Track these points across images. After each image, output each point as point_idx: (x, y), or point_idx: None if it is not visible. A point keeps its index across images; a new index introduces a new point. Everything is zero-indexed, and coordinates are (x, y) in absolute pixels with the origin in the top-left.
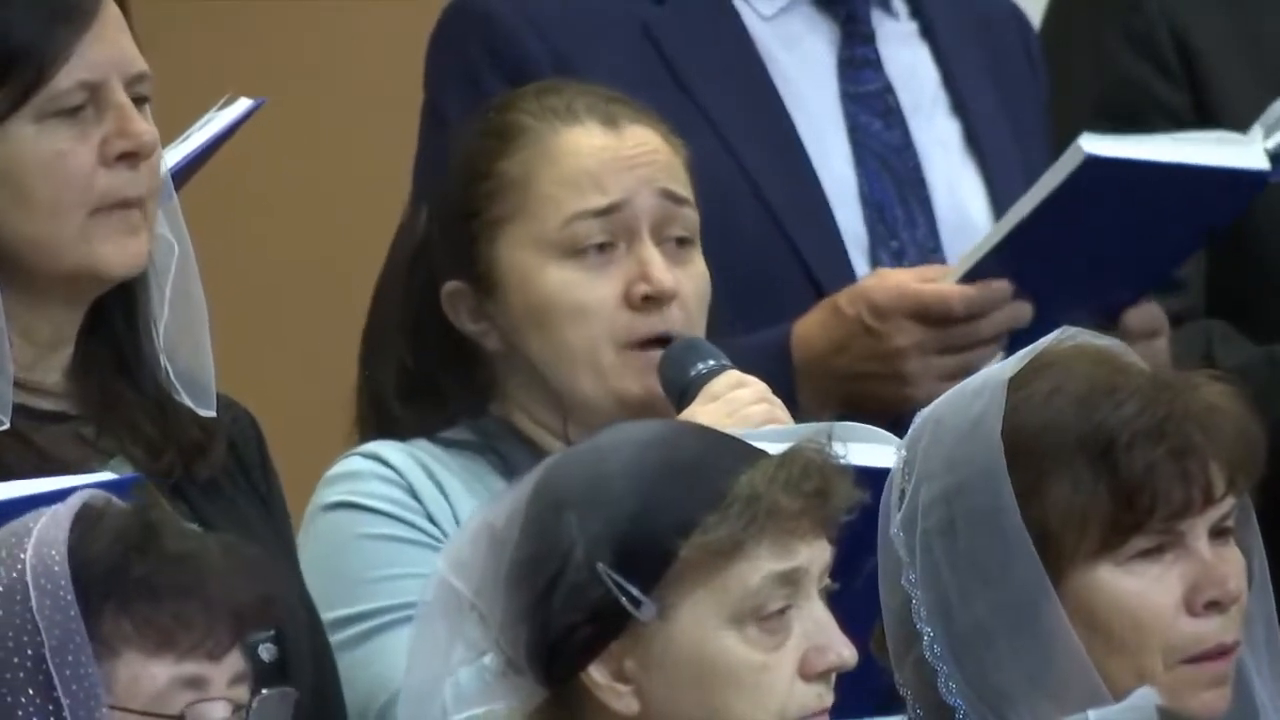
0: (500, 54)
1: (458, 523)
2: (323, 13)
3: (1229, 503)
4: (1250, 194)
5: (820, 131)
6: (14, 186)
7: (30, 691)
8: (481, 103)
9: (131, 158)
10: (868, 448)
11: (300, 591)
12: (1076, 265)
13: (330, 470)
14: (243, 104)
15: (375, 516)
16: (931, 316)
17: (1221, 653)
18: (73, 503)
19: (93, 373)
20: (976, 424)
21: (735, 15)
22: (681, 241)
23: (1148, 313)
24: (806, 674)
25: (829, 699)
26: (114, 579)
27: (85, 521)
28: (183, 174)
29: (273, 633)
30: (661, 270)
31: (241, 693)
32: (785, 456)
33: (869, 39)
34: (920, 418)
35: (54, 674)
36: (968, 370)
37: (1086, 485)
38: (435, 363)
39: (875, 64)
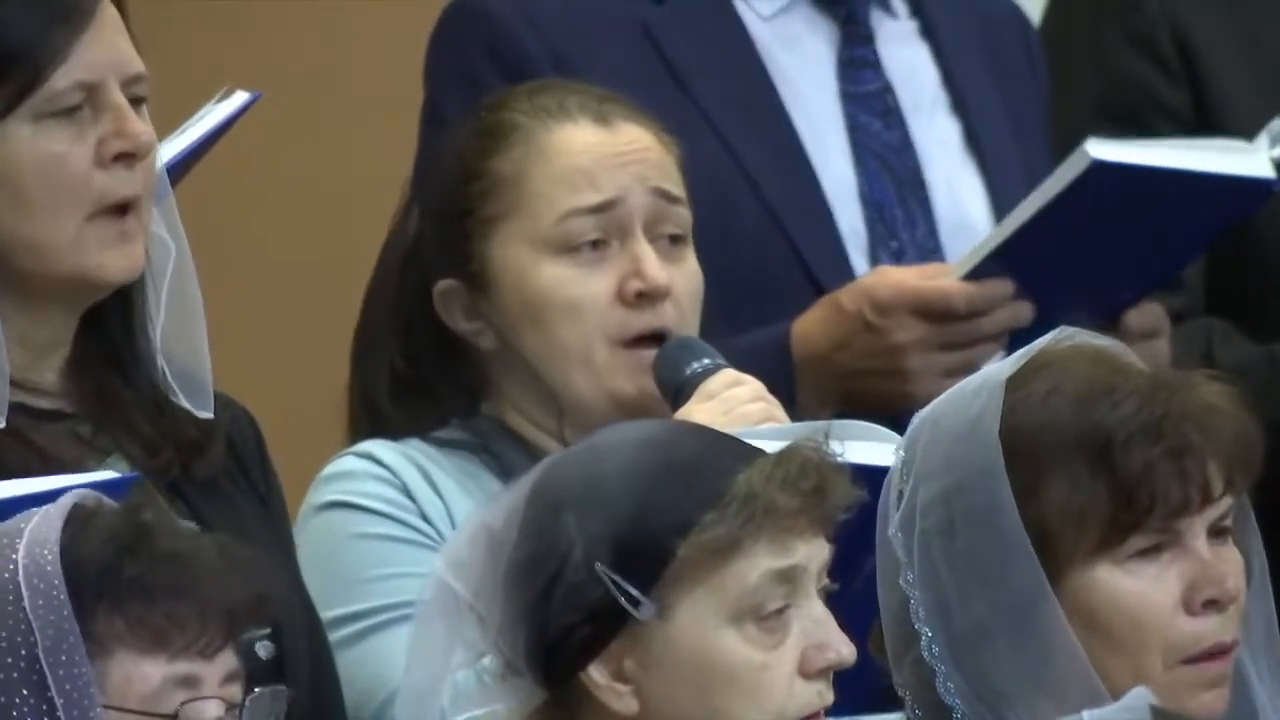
0: (500, 53)
1: (452, 522)
2: (322, 11)
3: (1227, 502)
4: (1255, 202)
5: (820, 131)
6: (10, 187)
7: (25, 692)
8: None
9: (128, 158)
10: (866, 446)
11: (298, 589)
12: (1078, 267)
13: (324, 470)
14: (240, 97)
15: (370, 516)
16: (933, 313)
17: (1220, 652)
18: (64, 503)
19: (88, 372)
20: (975, 424)
21: (735, 15)
22: (674, 239)
23: (1149, 313)
24: (806, 672)
25: (829, 697)
26: (107, 578)
27: (77, 521)
28: (180, 167)
29: (269, 630)
30: (655, 267)
31: (235, 691)
32: (782, 455)
33: (868, 39)
34: (918, 418)
35: (48, 674)
36: (969, 367)
37: (1084, 484)
38: (427, 362)
39: (875, 64)
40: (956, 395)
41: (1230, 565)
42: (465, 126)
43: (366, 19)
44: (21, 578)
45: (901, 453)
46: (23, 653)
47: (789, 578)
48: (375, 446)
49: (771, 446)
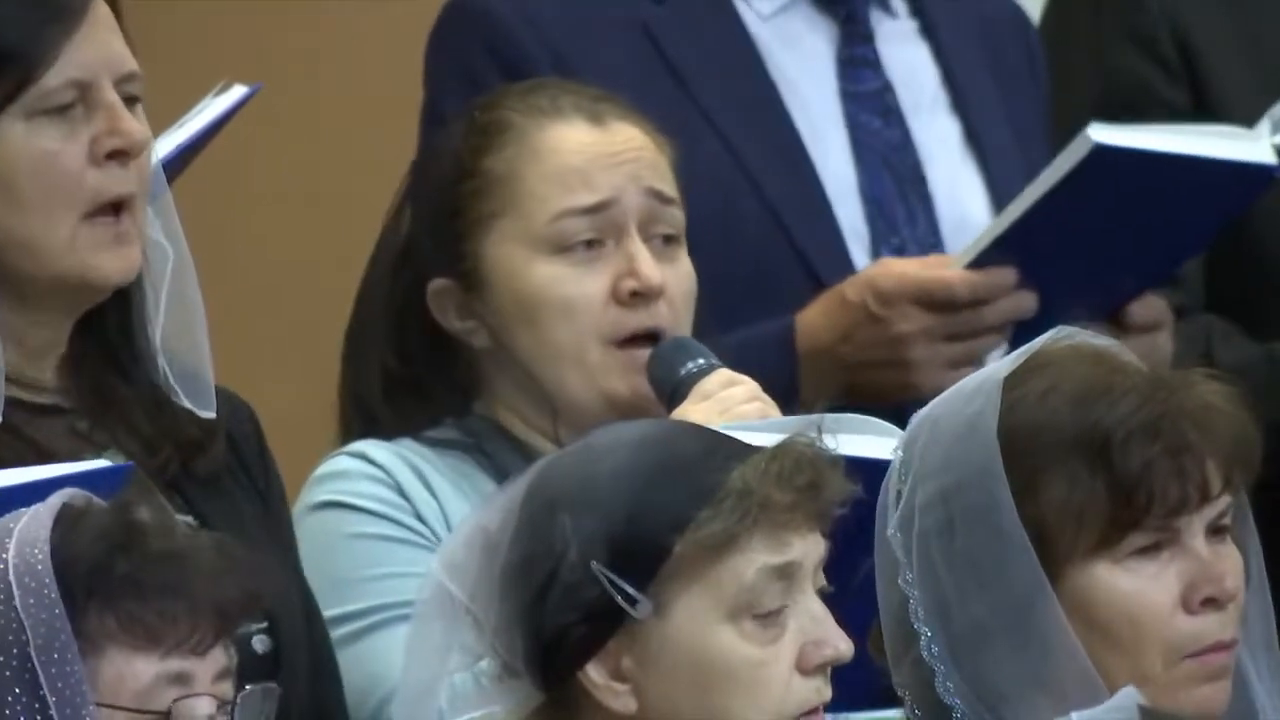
0: (499, 52)
1: (447, 522)
2: (321, 9)
3: (1225, 501)
4: (1256, 189)
5: (820, 130)
6: (4, 186)
7: (17, 690)
8: None
9: (122, 156)
10: (863, 439)
11: (298, 583)
12: (1081, 256)
13: (317, 470)
14: (238, 91)
15: (364, 515)
16: (936, 302)
17: (1219, 650)
18: (53, 502)
19: (86, 370)
20: (973, 423)
21: (735, 14)
22: (668, 239)
23: (1151, 305)
24: (804, 668)
25: (827, 693)
26: (97, 576)
27: (67, 520)
28: (178, 161)
29: (266, 624)
30: (650, 266)
31: (226, 689)
32: (777, 450)
33: (868, 38)
34: (917, 418)
35: (40, 672)
36: (973, 358)
37: (1083, 483)
38: (420, 361)
39: (874, 63)
40: (955, 395)
41: (1229, 564)
42: (459, 125)
43: (365, 17)
44: (12, 576)
45: (900, 453)
46: (14, 651)
47: (785, 574)
48: (368, 446)
49: (766, 440)
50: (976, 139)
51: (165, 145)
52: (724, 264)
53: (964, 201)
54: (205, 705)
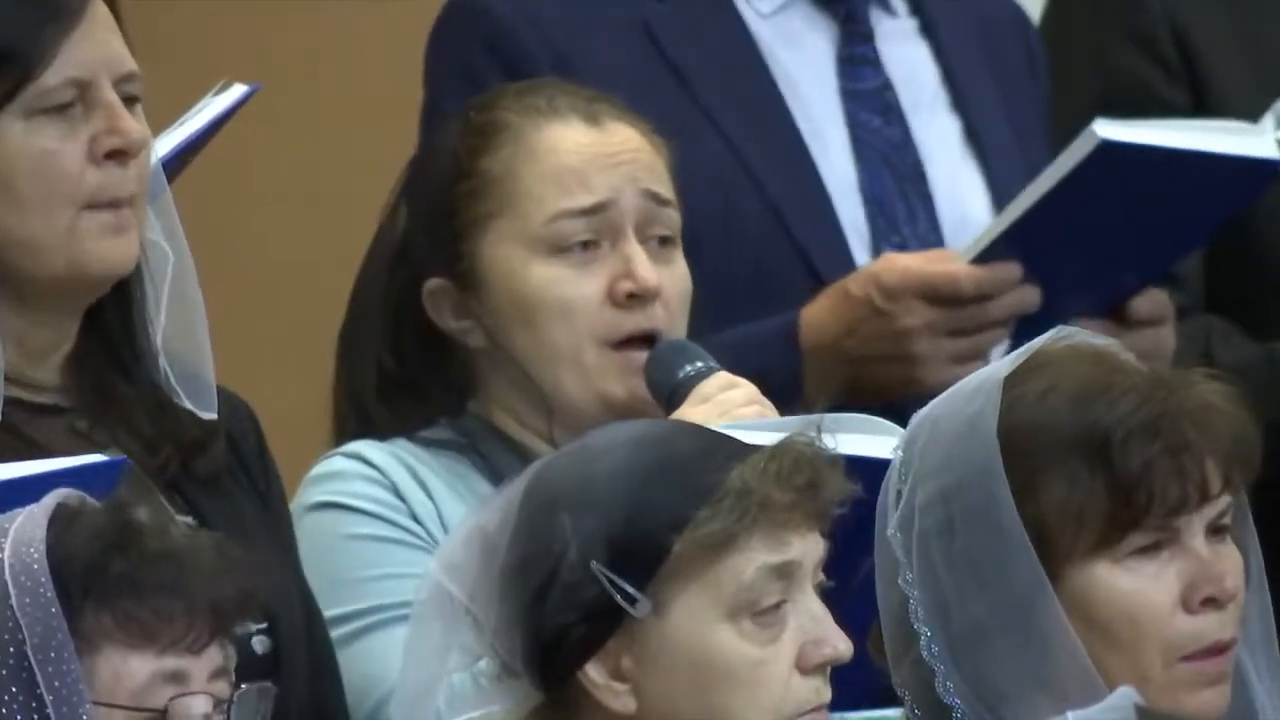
0: (500, 51)
1: (442, 522)
2: (320, 9)
3: (1225, 500)
4: (1260, 184)
5: (820, 128)
6: (3, 185)
7: (14, 689)
8: None
9: (120, 155)
10: (863, 438)
11: (298, 583)
12: (1085, 251)
13: (312, 471)
14: (238, 90)
15: (360, 516)
16: (941, 297)
17: (1219, 650)
18: (48, 502)
19: (87, 368)
20: (973, 423)
21: (735, 13)
22: (664, 241)
23: (1154, 300)
24: (803, 668)
25: (826, 693)
26: (93, 575)
27: (62, 520)
28: (178, 161)
29: (266, 625)
30: (646, 268)
31: (222, 687)
32: (776, 450)
33: (868, 37)
34: (917, 418)
35: (37, 671)
36: (977, 353)
37: (1083, 483)
38: (416, 361)
39: (874, 62)
40: (954, 395)
41: (1229, 563)
42: (455, 125)
43: (365, 17)
44: (8, 576)
45: (900, 453)
46: (11, 650)
47: (785, 573)
48: (363, 447)
49: (765, 440)
50: (976, 137)
51: (164, 145)
52: (725, 263)
53: (964, 200)
54: (201, 703)
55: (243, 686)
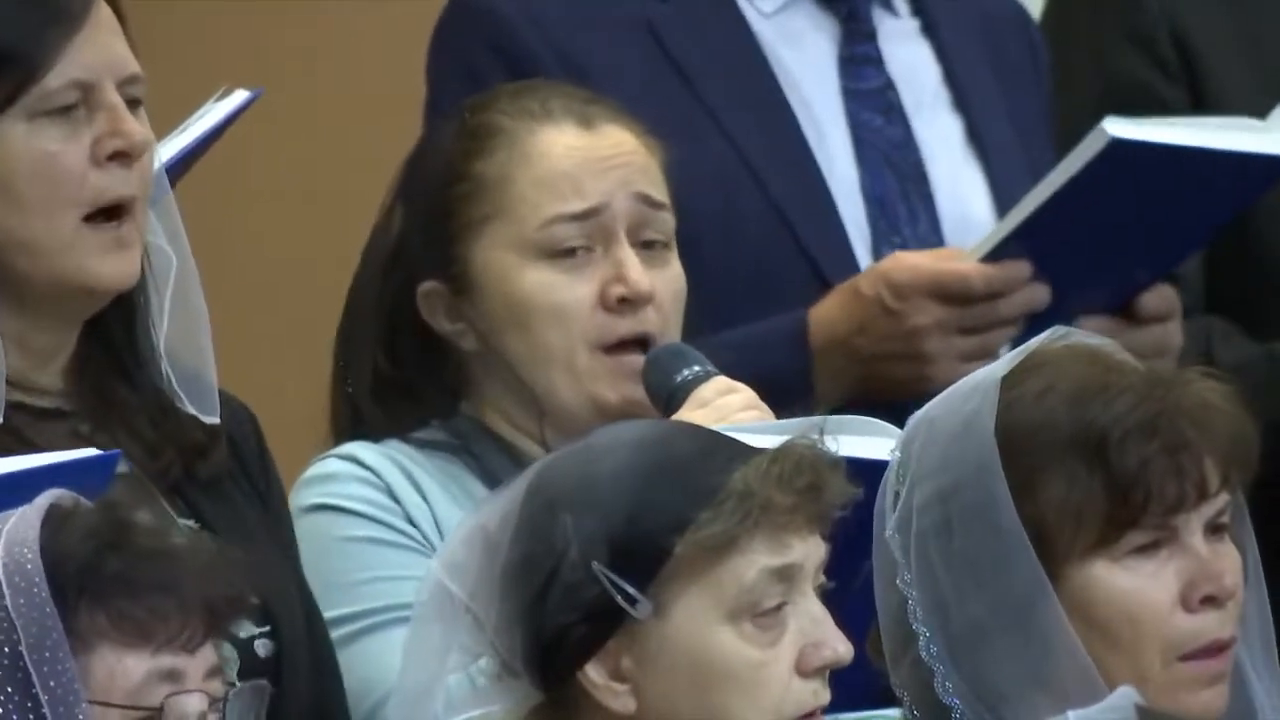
0: (503, 51)
1: (437, 523)
2: (321, 10)
3: (1223, 499)
4: (1268, 181)
5: (822, 128)
6: (4, 186)
7: (9, 689)
8: None
9: (123, 158)
10: (865, 440)
11: (299, 585)
12: (1095, 249)
13: (306, 473)
14: (239, 95)
15: (354, 519)
16: (951, 295)
17: (1218, 649)
18: (40, 503)
19: (89, 374)
20: (970, 423)
21: (737, 12)
22: (658, 244)
23: (1162, 296)
24: (803, 670)
25: (825, 696)
26: (87, 574)
27: (55, 520)
28: (179, 166)
29: (268, 628)
30: (638, 272)
31: (217, 686)
32: (778, 452)
33: (870, 36)
34: (914, 419)
35: (32, 671)
36: (988, 351)
37: (1081, 482)
38: (410, 362)
39: (876, 61)
40: (951, 396)
41: (1228, 562)
42: (450, 127)
43: (365, 17)
44: (2, 577)
45: (897, 454)
46: (6, 650)
47: (786, 575)
48: (357, 448)
49: (767, 442)
50: (978, 137)
51: (167, 150)
52: (727, 262)
53: (966, 200)
54: (197, 702)
55: (237, 685)
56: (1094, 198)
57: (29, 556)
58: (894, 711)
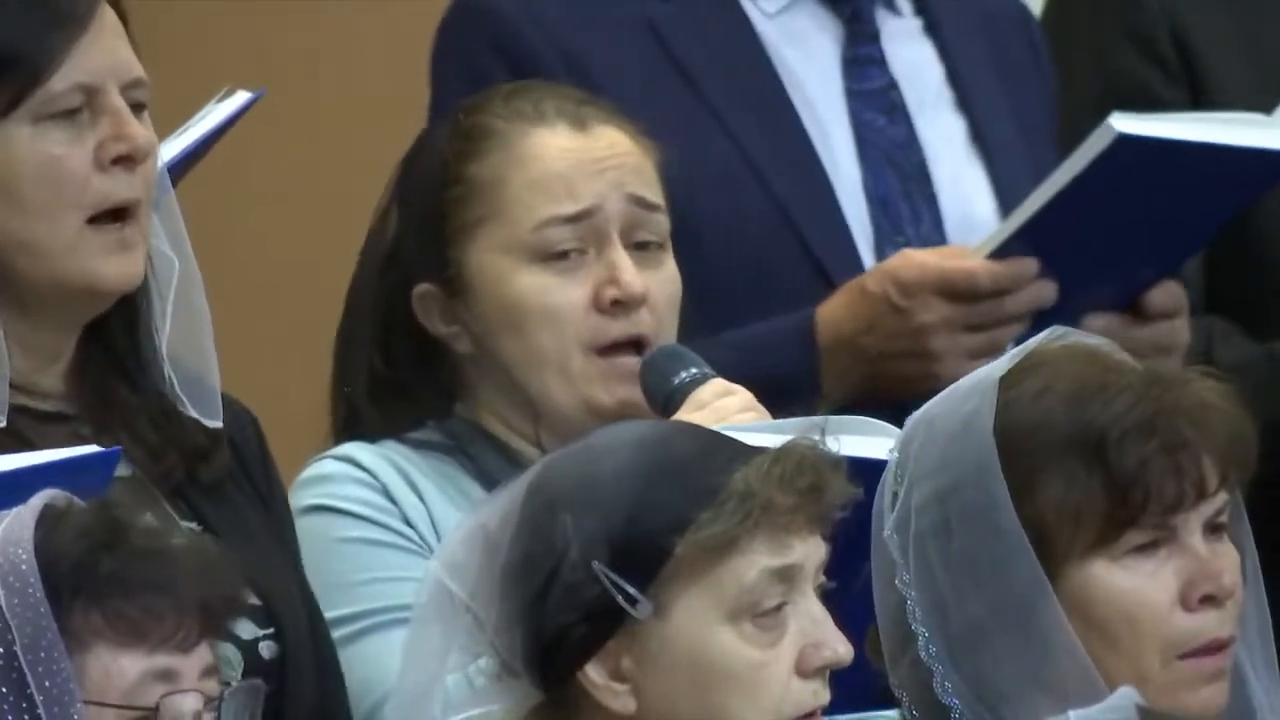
0: (507, 51)
1: (434, 524)
2: (323, 10)
3: (1222, 498)
4: (1276, 176)
5: (825, 128)
6: (9, 190)
7: (4, 689)
8: None
9: (127, 161)
10: (865, 440)
11: (302, 587)
12: (1101, 244)
13: (302, 474)
14: (241, 97)
15: (351, 520)
16: (958, 292)
17: (1217, 648)
18: (35, 503)
19: (90, 375)
20: (968, 423)
21: (740, 12)
22: (652, 245)
23: (1169, 292)
24: (803, 671)
25: (825, 696)
26: (82, 574)
27: (49, 520)
28: (180, 167)
29: (272, 630)
30: (631, 274)
31: (212, 685)
32: (779, 453)
33: (873, 37)
34: (912, 420)
35: (26, 671)
36: (995, 348)
37: (1080, 482)
38: (406, 363)
39: (879, 61)
40: (949, 396)
41: (1227, 561)
42: (444, 128)
43: (365, 18)
44: None
45: (895, 454)
46: (0, 651)
47: (786, 576)
48: (354, 449)
49: (767, 442)
50: (981, 136)
51: (168, 151)
52: (732, 262)
53: (969, 199)
54: (192, 701)
55: (232, 684)
56: (1100, 194)
57: (23, 557)
58: (893, 712)
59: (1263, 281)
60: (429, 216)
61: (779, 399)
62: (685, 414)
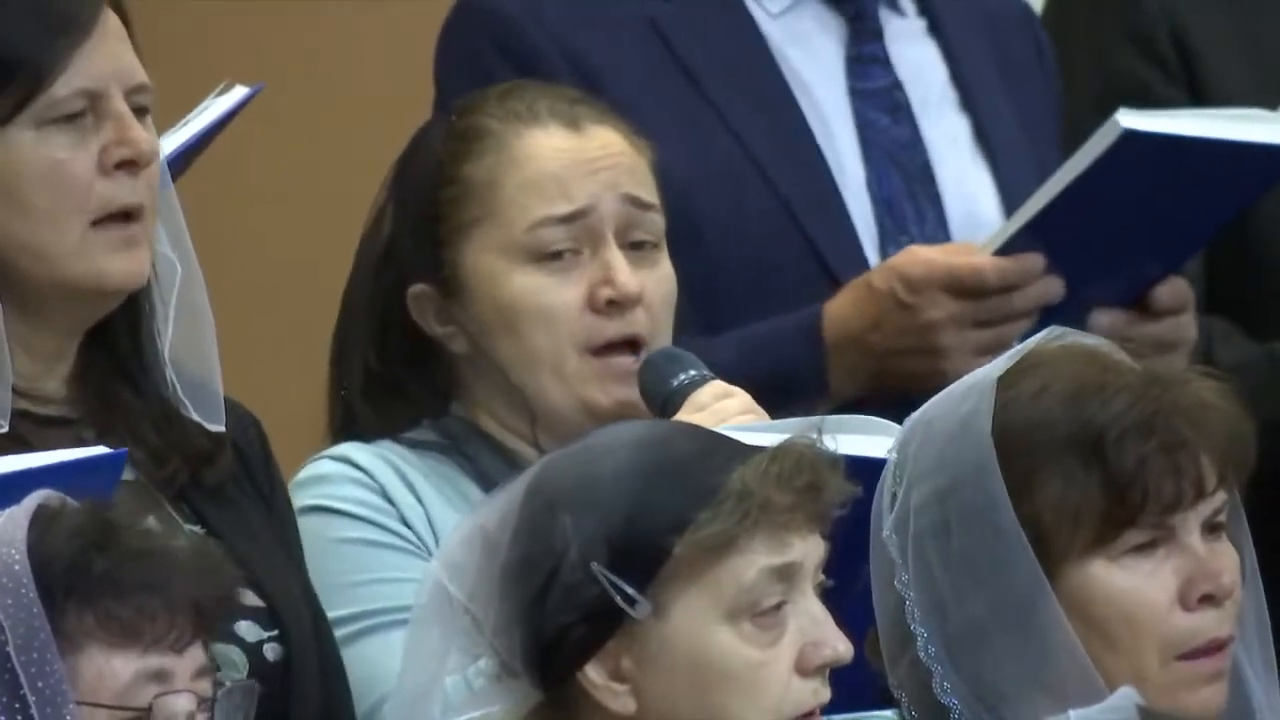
0: (511, 51)
1: (431, 524)
2: (323, 8)
3: (1220, 497)
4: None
5: (829, 127)
6: (13, 194)
7: None
8: None
9: (131, 166)
10: (865, 439)
11: (305, 588)
12: (1108, 241)
13: (300, 474)
14: (240, 91)
15: (348, 520)
16: (965, 289)
17: (1216, 647)
18: (28, 504)
19: (93, 380)
20: (967, 422)
21: (744, 11)
22: (647, 245)
23: (1175, 288)
24: (803, 670)
25: (825, 695)
26: (75, 575)
27: (42, 521)
28: (180, 161)
29: (277, 632)
30: (625, 274)
31: (205, 686)
32: (777, 451)
33: (877, 36)
34: (910, 420)
35: (20, 672)
36: (1002, 344)
37: (1078, 481)
38: (401, 363)
39: (883, 61)
40: (948, 396)
41: (1225, 561)
42: (439, 129)
43: (365, 17)
44: None
45: (894, 454)
46: None
47: (785, 575)
48: (350, 449)
49: (766, 442)
50: (985, 136)
51: (167, 145)
52: (736, 260)
53: (973, 199)
54: (185, 702)
55: (226, 684)
56: (1106, 190)
57: (16, 557)
58: (892, 712)
59: (1263, 282)
60: (424, 217)
61: (786, 397)
62: (684, 416)
